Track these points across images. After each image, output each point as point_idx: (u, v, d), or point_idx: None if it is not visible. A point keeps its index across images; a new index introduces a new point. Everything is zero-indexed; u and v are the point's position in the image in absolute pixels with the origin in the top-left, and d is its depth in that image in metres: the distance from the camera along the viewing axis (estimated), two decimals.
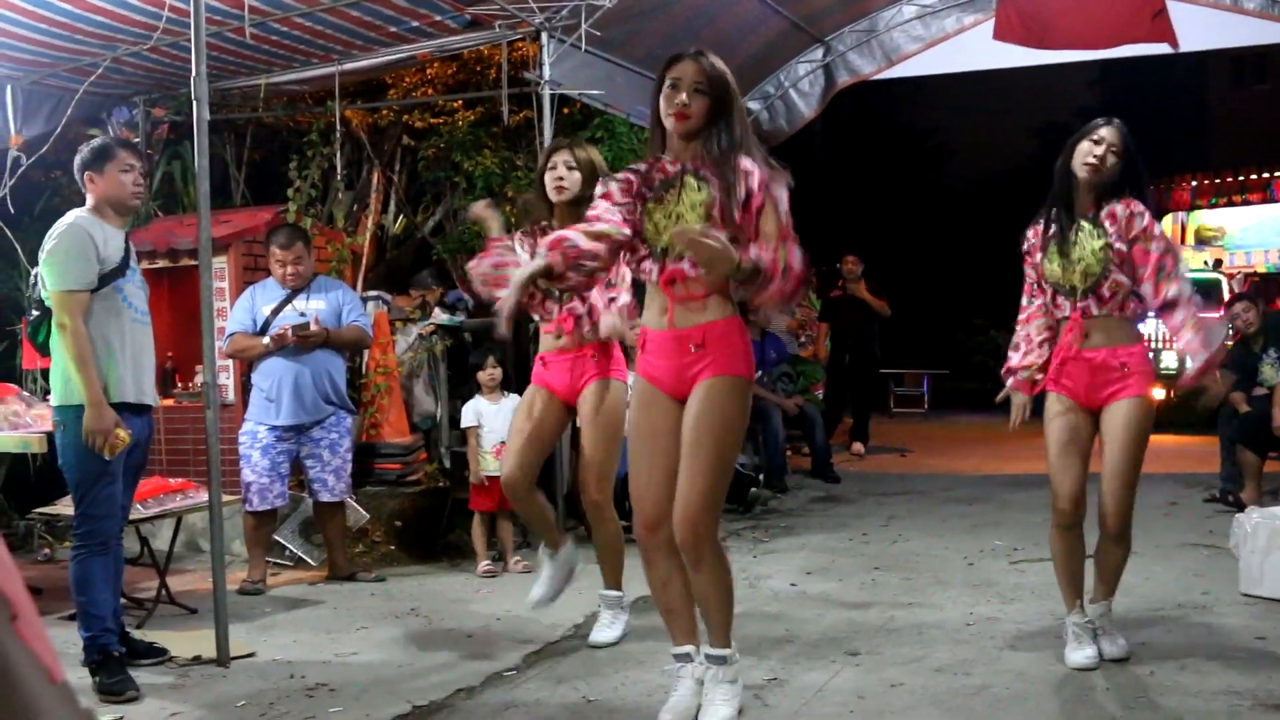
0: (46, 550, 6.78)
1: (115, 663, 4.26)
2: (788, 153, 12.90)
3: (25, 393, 6.21)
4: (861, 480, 9.76)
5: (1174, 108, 27.50)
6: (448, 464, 7.23)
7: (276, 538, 6.43)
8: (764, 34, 8.50)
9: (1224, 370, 8.69)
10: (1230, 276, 14.85)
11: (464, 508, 6.62)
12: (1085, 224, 4.26)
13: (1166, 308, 4.20)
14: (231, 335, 6.08)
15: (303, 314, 5.99)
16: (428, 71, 8.58)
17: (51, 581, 5.93)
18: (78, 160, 4.49)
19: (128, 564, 4.98)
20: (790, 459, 9.72)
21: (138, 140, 7.35)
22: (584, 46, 6.83)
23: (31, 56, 6.22)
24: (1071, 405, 4.36)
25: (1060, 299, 4.35)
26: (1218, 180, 17.43)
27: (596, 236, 3.47)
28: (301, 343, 5.92)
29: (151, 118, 7.78)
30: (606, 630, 4.82)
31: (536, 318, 4.93)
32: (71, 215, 4.43)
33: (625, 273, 4.65)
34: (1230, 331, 7.85)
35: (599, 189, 3.69)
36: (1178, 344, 4.25)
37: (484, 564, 6.25)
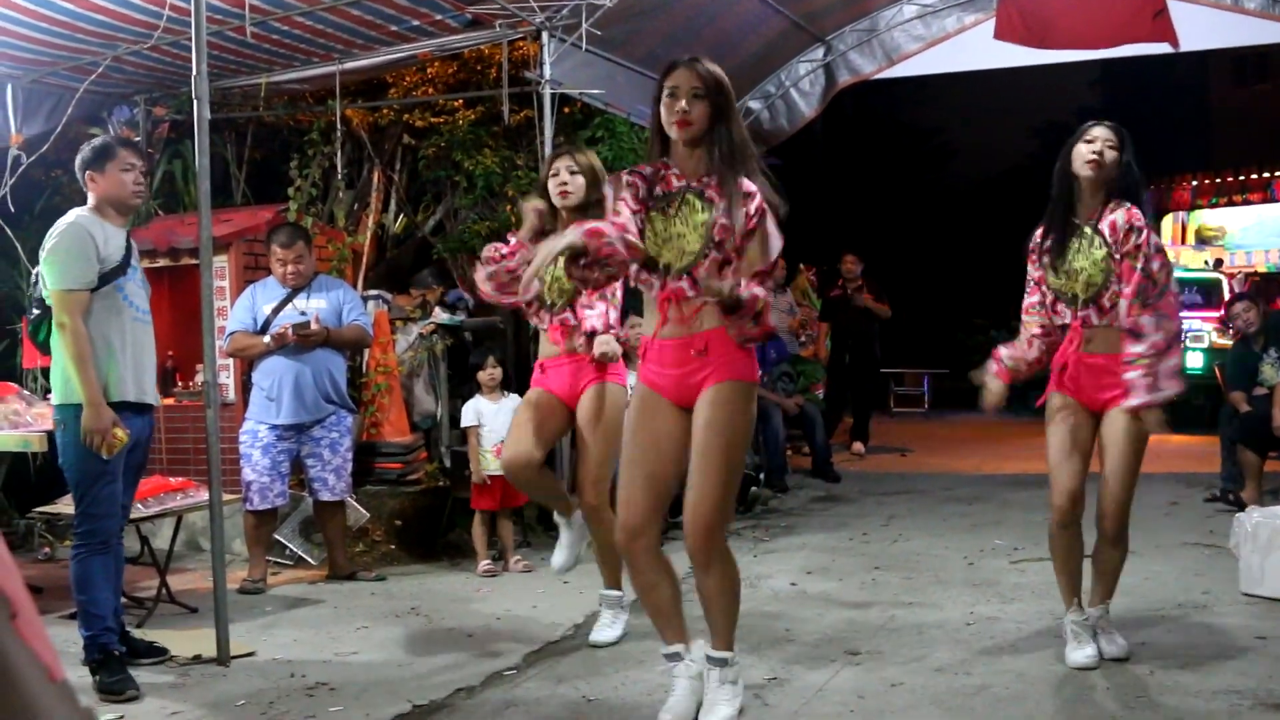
0: (47, 549, 6.79)
1: (115, 662, 4.27)
2: (788, 152, 12.96)
3: (25, 391, 6.21)
4: (862, 480, 9.76)
5: (1175, 107, 27.48)
6: (448, 463, 7.23)
7: (277, 537, 6.43)
8: (764, 33, 8.50)
9: (1224, 372, 8.72)
10: (1231, 276, 14.84)
11: (464, 507, 6.63)
12: (1089, 230, 4.26)
13: (1132, 333, 4.19)
14: (232, 334, 6.08)
15: (303, 313, 5.99)
16: (428, 71, 8.58)
17: (52, 580, 5.93)
18: (79, 159, 4.49)
19: (128, 563, 4.98)
20: (790, 458, 9.72)
21: (138, 139, 7.35)
22: (584, 46, 6.82)
23: (32, 55, 6.22)
24: (1074, 405, 4.37)
25: (1061, 306, 4.35)
26: (1218, 180, 17.41)
27: (630, 247, 3.43)
28: (302, 342, 5.92)
29: (152, 116, 7.78)
30: (607, 630, 4.82)
31: (536, 323, 4.92)
32: (72, 214, 4.43)
33: (616, 287, 4.68)
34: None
35: (610, 189, 3.67)
36: (1127, 374, 4.21)
37: (484, 563, 6.25)
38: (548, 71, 6.92)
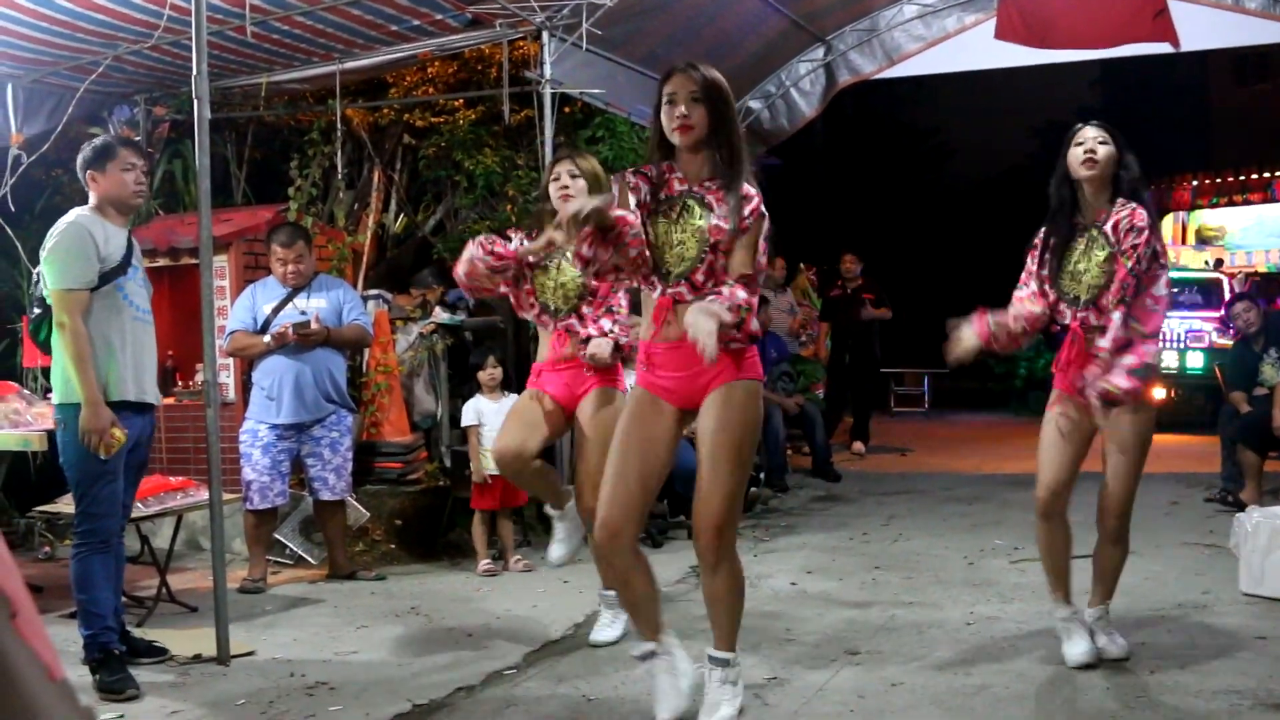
0: (47, 548, 6.79)
1: (116, 661, 4.27)
2: (788, 152, 12.96)
3: (26, 391, 6.21)
4: (862, 479, 9.76)
5: (1175, 107, 27.47)
6: (448, 463, 7.23)
7: (277, 536, 6.43)
8: (765, 33, 8.50)
9: (1225, 372, 8.73)
10: (1231, 276, 14.84)
11: (464, 506, 6.63)
12: (1094, 232, 4.26)
13: (1101, 329, 4.20)
14: (232, 333, 6.08)
15: (303, 312, 5.99)
16: (429, 70, 8.58)
17: (52, 579, 5.93)
18: (80, 159, 4.49)
19: (128, 562, 4.98)
20: (790, 458, 9.72)
21: (139, 139, 7.35)
22: (585, 45, 6.83)
23: (33, 55, 6.22)
24: (1073, 404, 4.37)
25: (1063, 306, 4.35)
26: (1218, 180, 17.41)
27: (638, 238, 3.47)
28: (302, 341, 5.92)
29: (153, 116, 7.78)
30: (606, 629, 4.82)
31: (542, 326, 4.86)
32: (73, 214, 4.44)
33: (622, 299, 4.68)
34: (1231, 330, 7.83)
35: (615, 187, 3.67)
36: (1089, 366, 4.21)
37: (484, 563, 6.25)
38: (548, 71, 6.92)
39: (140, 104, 7.64)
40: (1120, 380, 4.08)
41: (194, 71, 4.49)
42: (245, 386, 6.44)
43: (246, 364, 6.43)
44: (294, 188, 7.98)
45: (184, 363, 6.82)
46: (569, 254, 3.69)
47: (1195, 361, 13.14)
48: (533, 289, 4.65)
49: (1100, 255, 4.22)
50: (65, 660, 4.15)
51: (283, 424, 5.99)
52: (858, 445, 11.31)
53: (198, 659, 4.59)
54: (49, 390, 5.03)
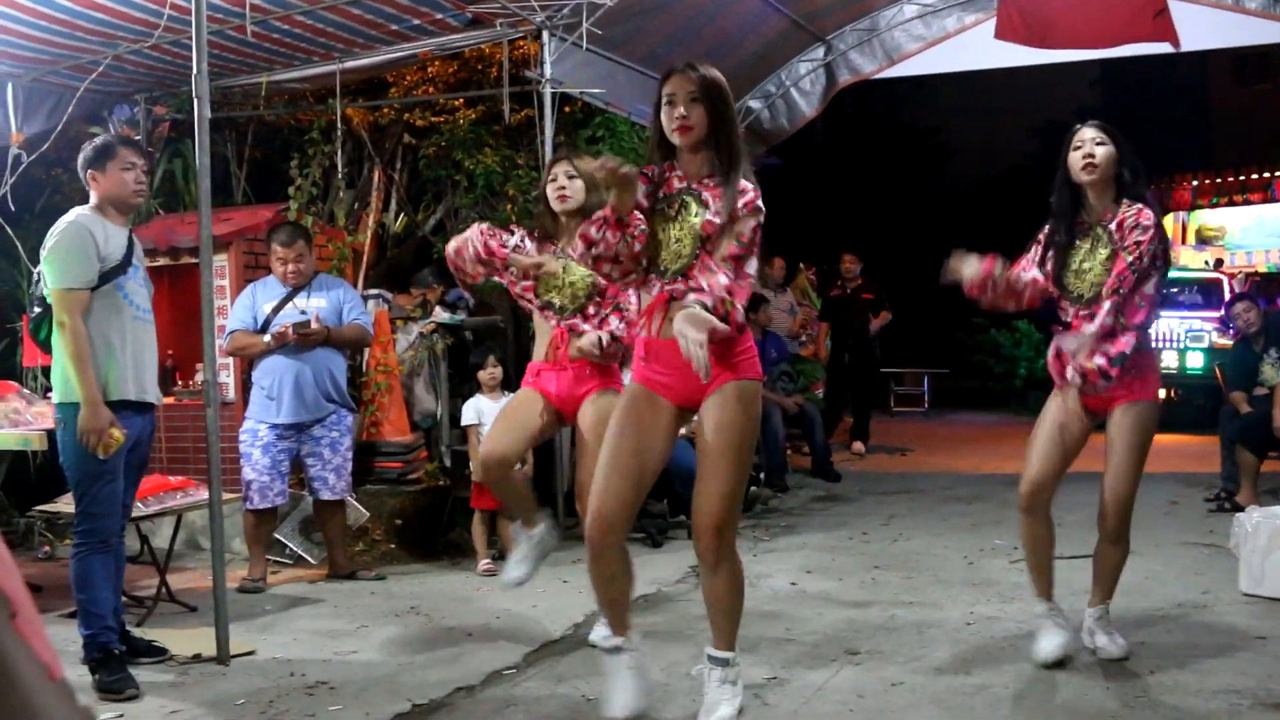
0: (47, 548, 6.79)
1: (115, 661, 4.26)
2: (788, 152, 12.96)
3: (25, 390, 6.21)
4: (862, 479, 9.76)
5: (1175, 107, 27.48)
6: (448, 462, 7.23)
7: (277, 536, 6.43)
8: (765, 33, 8.50)
9: (1225, 372, 8.73)
10: (1231, 276, 14.84)
11: (464, 506, 6.63)
12: (1100, 231, 4.26)
13: (1090, 316, 4.20)
14: (232, 333, 6.08)
15: (303, 312, 5.99)
16: (429, 70, 8.58)
17: (52, 579, 5.93)
18: (81, 158, 4.49)
19: (128, 562, 4.98)
20: (790, 458, 9.72)
21: (139, 138, 7.35)
22: (585, 45, 6.83)
23: (33, 54, 6.22)
24: (1072, 405, 4.37)
25: (1066, 304, 4.35)
26: (1218, 180, 17.42)
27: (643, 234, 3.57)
28: (302, 341, 5.92)
29: (153, 115, 7.78)
30: (606, 629, 4.80)
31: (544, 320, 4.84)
32: (73, 213, 4.44)
33: (635, 300, 4.67)
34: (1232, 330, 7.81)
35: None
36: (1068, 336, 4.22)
37: (484, 562, 6.25)
38: (548, 71, 6.92)
39: (140, 103, 7.64)
40: (1099, 361, 4.09)
41: (194, 71, 4.49)
42: (245, 386, 6.44)
43: (246, 363, 6.43)
44: (294, 187, 7.98)
45: (184, 362, 6.82)
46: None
47: (1195, 361, 13.15)
48: (533, 285, 4.63)
49: (1104, 254, 4.22)
50: (65, 660, 4.16)
51: (283, 423, 5.99)
52: (857, 445, 11.32)
53: (197, 659, 4.59)
54: (49, 389, 5.02)
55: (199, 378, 6.37)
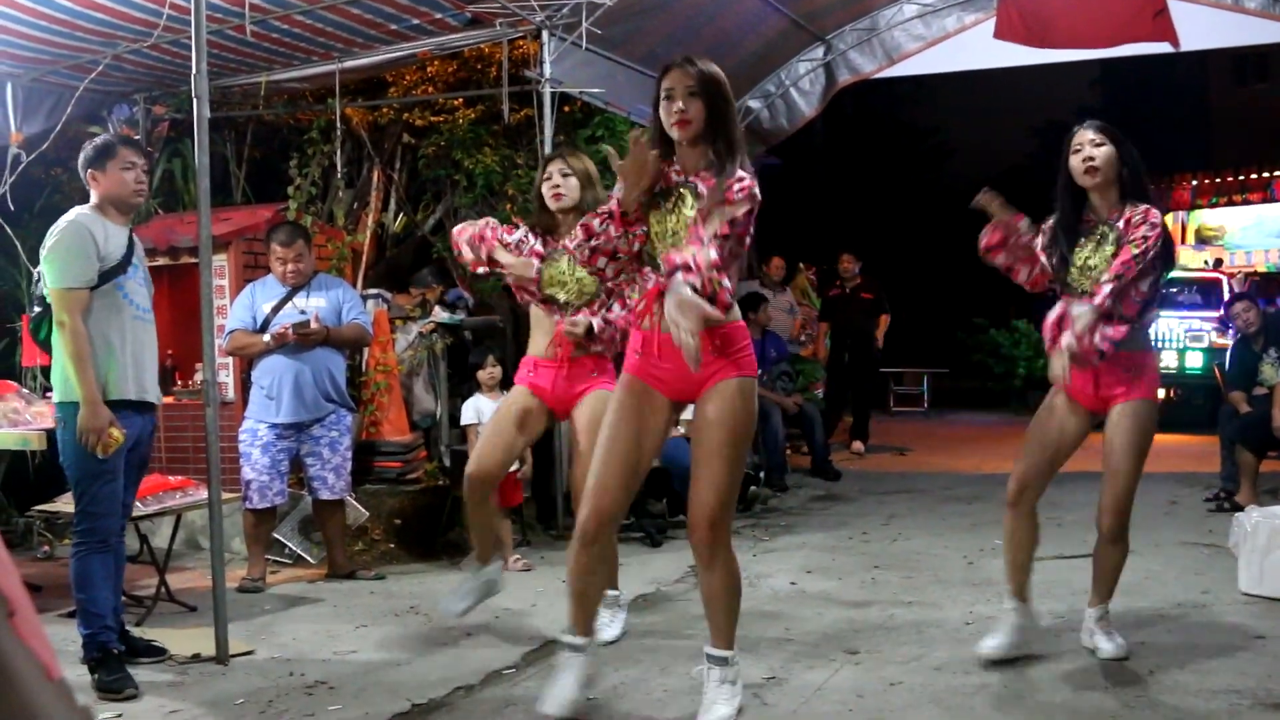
0: (46, 547, 6.79)
1: (114, 660, 4.26)
2: (788, 152, 12.95)
3: (25, 390, 6.21)
4: (861, 479, 9.76)
5: (1174, 107, 27.50)
6: (447, 462, 7.23)
7: (276, 535, 6.43)
8: (765, 32, 8.51)
9: (1224, 372, 8.73)
10: (1230, 276, 14.85)
11: (463, 506, 6.61)
12: (1105, 229, 4.26)
13: (1090, 294, 4.21)
14: (231, 333, 6.07)
15: (303, 311, 5.99)
16: (428, 69, 8.58)
17: (51, 579, 5.93)
18: (81, 158, 4.49)
19: (127, 561, 4.97)
20: (790, 458, 9.72)
21: (138, 137, 7.35)
22: (585, 45, 6.83)
23: (32, 53, 6.22)
24: (1070, 404, 4.37)
25: (1070, 299, 4.35)
26: (1218, 180, 17.44)
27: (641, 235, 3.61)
28: (302, 340, 5.92)
29: (152, 115, 7.78)
30: (606, 629, 4.81)
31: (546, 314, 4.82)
32: (73, 212, 4.44)
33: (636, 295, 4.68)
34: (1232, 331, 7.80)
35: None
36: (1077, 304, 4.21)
37: None
38: (548, 70, 6.92)
39: (140, 103, 7.64)
40: (1098, 338, 4.09)
41: (193, 70, 4.48)
42: (244, 386, 6.44)
43: (246, 363, 6.43)
44: (293, 187, 7.98)
45: (183, 362, 6.82)
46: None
47: (1194, 361, 13.15)
48: (538, 278, 4.62)
49: (1109, 250, 4.22)
50: (64, 659, 4.16)
51: (282, 423, 5.98)
52: (857, 445, 11.32)
53: (196, 658, 4.58)
54: (48, 389, 5.02)
55: (198, 377, 6.37)
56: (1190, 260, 16.24)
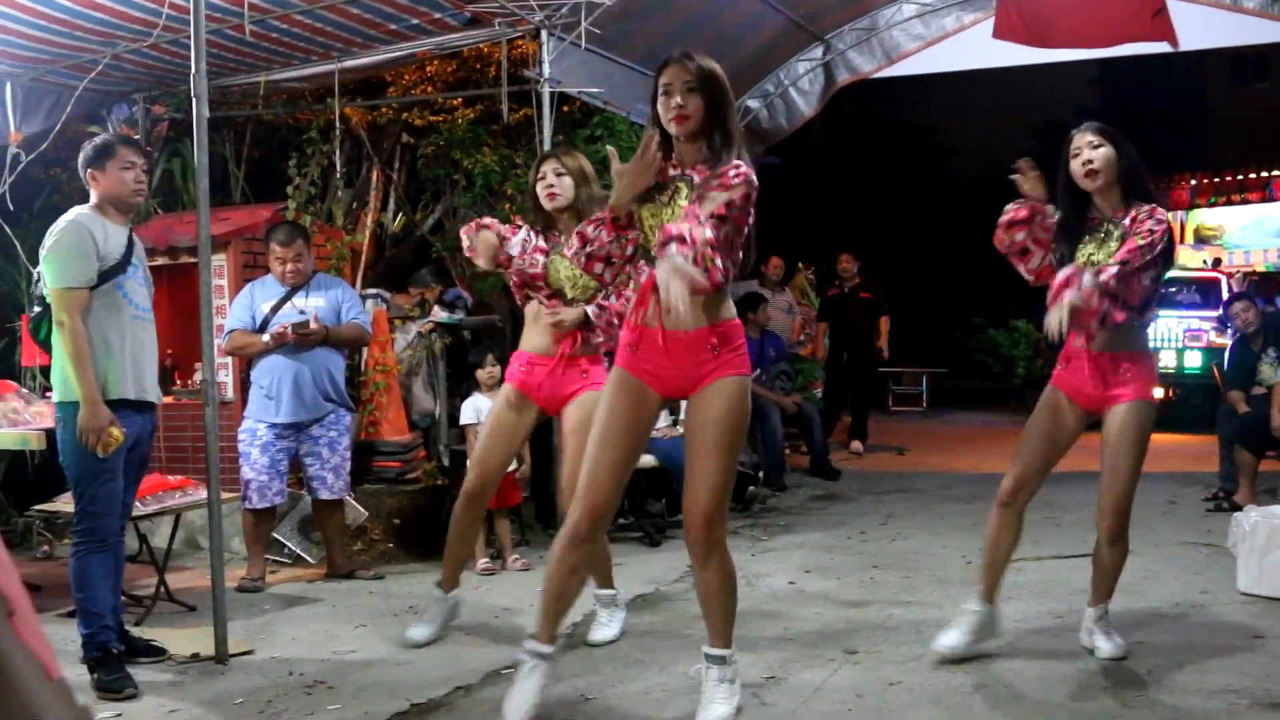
0: (45, 547, 6.79)
1: (114, 660, 4.26)
2: (787, 152, 12.97)
3: (24, 390, 6.21)
4: (860, 479, 9.76)
5: (1173, 107, 27.52)
6: (446, 462, 7.23)
7: (275, 535, 6.42)
8: (764, 32, 8.51)
9: (1223, 371, 8.73)
10: (1229, 275, 14.85)
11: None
12: (1110, 227, 4.27)
13: (1097, 273, 4.21)
14: (230, 332, 6.07)
15: (302, 311, 5.99)
16: (427, 69, 8.58)
17: (50, 578, 5.93)
18: (81, 157, 4.50)
19: (126, 561, 4.98)
20: (789, 457, 9.72)
21: (138, 137, 7.35)
22: (584, 44, 6.82)
23: (31, 53, 6.22)
24: (1067, 404, 4.38)
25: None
26: (1217, 179, 17.44)
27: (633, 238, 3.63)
28: (301, 340, 5.92)
29: (151, 115, 7.78)
30: (604, 629, 4.82)
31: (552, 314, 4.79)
32: (73, 212, 4.44)
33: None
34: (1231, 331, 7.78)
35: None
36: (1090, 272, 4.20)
37: (482, 561, 6.25)
38: (547, 70, 6.92)
39: (139, 102, 7.64)
40: (1104, 303, 4.07)
41: (193, 70, 4.49)
42: (244, 385, 6.44)
43: (245, 363, 6.43)
44: (292, 186, 7.98)
45: (183, 361, 6.81)
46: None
47: (1193, 361, 13.15)
48: (543, 274, 4.61)
49: (1114, 246, 4.22)
50: (63, 659, 4.15)
51: (281, 423, 5.98)
52: (856, 444, 11.32)
53: (196, 658, 4.59)
54: (48, 389, 5.02)
55: (197, 377, 6.37)
56: (1189, 260, 16.23)
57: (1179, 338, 13.33)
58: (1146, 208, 4.21)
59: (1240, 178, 17.18)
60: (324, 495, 6.09)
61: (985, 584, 4.51)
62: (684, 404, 3.76)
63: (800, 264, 13.13)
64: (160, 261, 6.64)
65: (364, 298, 6.88)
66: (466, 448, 6.50)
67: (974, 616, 4.47)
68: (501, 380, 6.48)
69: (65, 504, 5.30)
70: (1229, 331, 9.63)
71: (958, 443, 12.54)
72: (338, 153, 7.89)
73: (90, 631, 4.27)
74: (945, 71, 9.49)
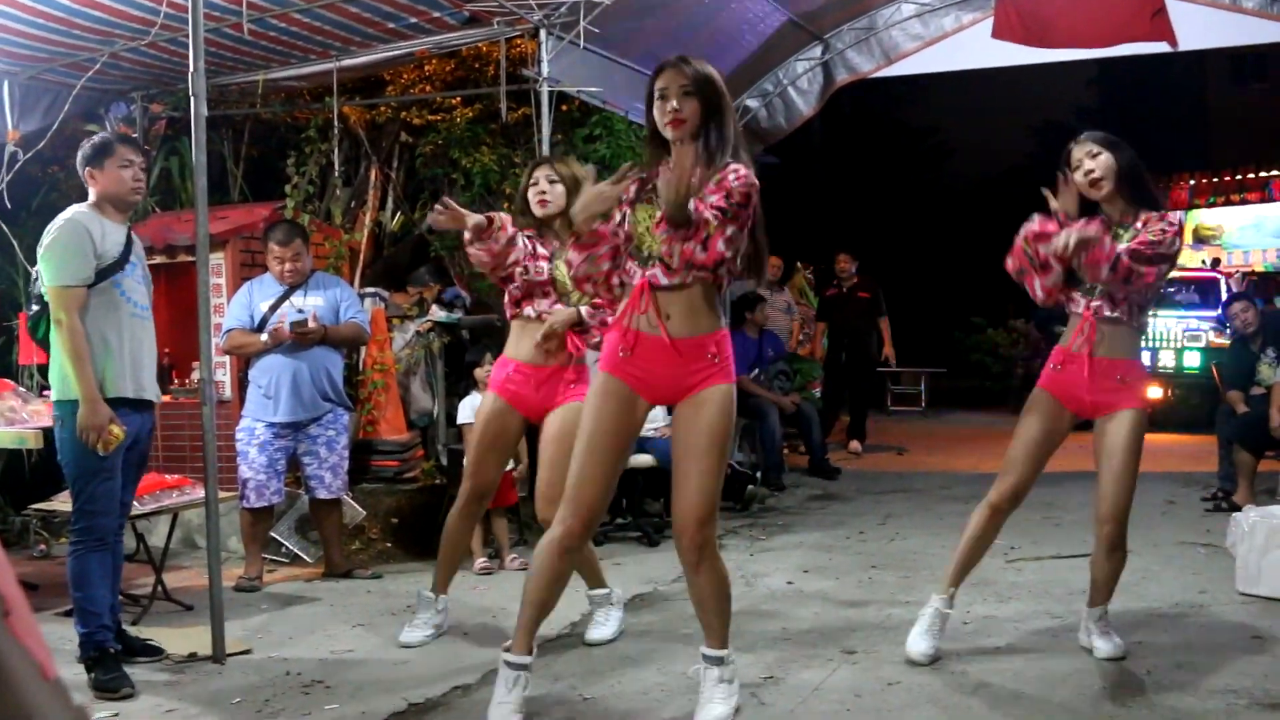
0: (42, 546, 6.78)
1: (111, 659, 4.26)
2: (786, 151, 12.97)
3: (21, 388, 6.20)
4: (858, 478, 9.75)
5: (1172, 107, 27.52)
6: (444, 461, 7.23)
7: (273, 534, 6.42)
8: (763, 31, 8.50)
9: (1222, 371, 8.74)
10: (1228, 275, 14.86)
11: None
12: (1120, 231, 4.27)
13: (1114, 319, 4.25)
14: (229, 331, 6.07)
15: (300, 310, 5.98)
16: (426, 68, 8.59)
17: (47, 577, 5.92)
18: (79, 156, 4.49)
19: (124, 560, 4.97)
20: (787, 457, 9.72)
21: (136, 135, 7.34)
22: (582, 44, 6.82)
23: (29, 51, 6.22)
24: (1058, 409, 4.38)
25: (1078, 295, 4.35)
26: (1216, 179, 17.46)
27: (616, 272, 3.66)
28: (299, 339, 5.91)
29: (149, 113, 7.77)
30: (602, 628, 4.81)
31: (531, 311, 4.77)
32: (71, 210, 4.43)
33: None
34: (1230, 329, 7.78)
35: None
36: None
37: (480, 561, 6.25)
38: (545, 69, 6.91)
39: (137, 101, 7.64)
40: (1114, 252, 4.06)
41: (191, 68, 4.48)
42: (242, 384, 6.43)
43: (243, 362, 6.42)
44: (291, 185, 7.96)
45: (180, 360, 6.81)
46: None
47: (1192, 361, 13.16)
48: (550, 279, 4.61)
49: (1121, 248, 4.22)
50: (60, 658, 4.15)
51: (280, 422, 5.98)
52: (854, 444, 11.33)
53: (193, 657, 4.58)
54: (45, 388, 5.01)
55: (195, 376, 6.36)
56: (1188, 260, 16.24)
57: (1178, 338, 13.34)
58: (1158, 214, 4.22)
59: (1239, 178, 17.20)
60: (322, 494, 6.08)
61: (954, 578, 4.54)
62: (662, 410, 3.77)
63: (799, 264, 13.14)
64: (158, 260, 6.63)
65: (362, 297, 6.87)
66: (464, 447, 6.49)
67: (941, 617, 4.48)
68: None
69: (63, 503, 5.29)
70: (1228, 331, 9.63)
71: (956, 443, 12.54)
72: (336, 151, 7.89)
73: (88, 631, 4.26)
74: (944, 71, 9.49)
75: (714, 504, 3.59)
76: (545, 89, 6.95)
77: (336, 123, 7.68)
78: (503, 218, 4.62)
